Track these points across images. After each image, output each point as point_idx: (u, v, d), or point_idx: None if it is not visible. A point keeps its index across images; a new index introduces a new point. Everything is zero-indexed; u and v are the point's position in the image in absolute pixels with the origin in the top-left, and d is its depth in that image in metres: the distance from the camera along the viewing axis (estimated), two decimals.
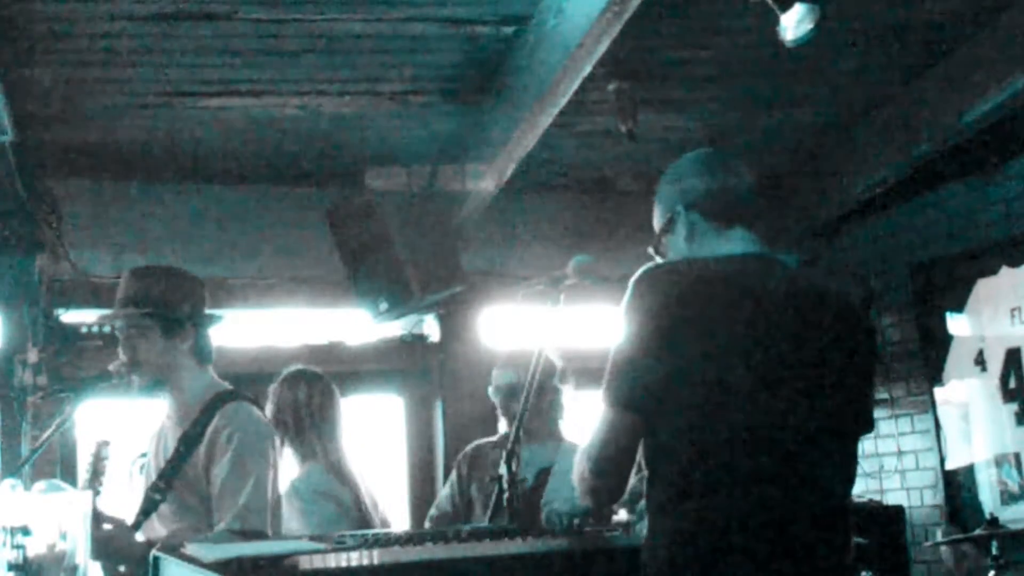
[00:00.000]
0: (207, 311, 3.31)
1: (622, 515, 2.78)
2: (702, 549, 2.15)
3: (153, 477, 3.16)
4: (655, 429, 2.23)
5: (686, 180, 2.45)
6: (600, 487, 2.29)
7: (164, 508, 3.10)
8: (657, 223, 2.50)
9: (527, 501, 3.37)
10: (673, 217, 2.43)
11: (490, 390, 4.16)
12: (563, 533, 2.58)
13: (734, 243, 2.38)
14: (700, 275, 2.28)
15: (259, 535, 2.94)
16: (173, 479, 3.10)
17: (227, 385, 3.29)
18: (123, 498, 3.18)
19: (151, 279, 3.23)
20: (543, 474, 3.69)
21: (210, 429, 3.09)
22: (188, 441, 3.11)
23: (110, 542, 2.95)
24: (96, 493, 3.00)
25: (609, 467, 2.26)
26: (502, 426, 4.20)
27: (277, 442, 3.29)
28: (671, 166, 2.52)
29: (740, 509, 2.15)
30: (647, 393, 2.20)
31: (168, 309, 3.19)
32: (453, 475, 4.24)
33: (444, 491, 4.27)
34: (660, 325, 2.20)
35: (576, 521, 2.60)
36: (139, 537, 3.08)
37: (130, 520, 3.10)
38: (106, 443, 3.09)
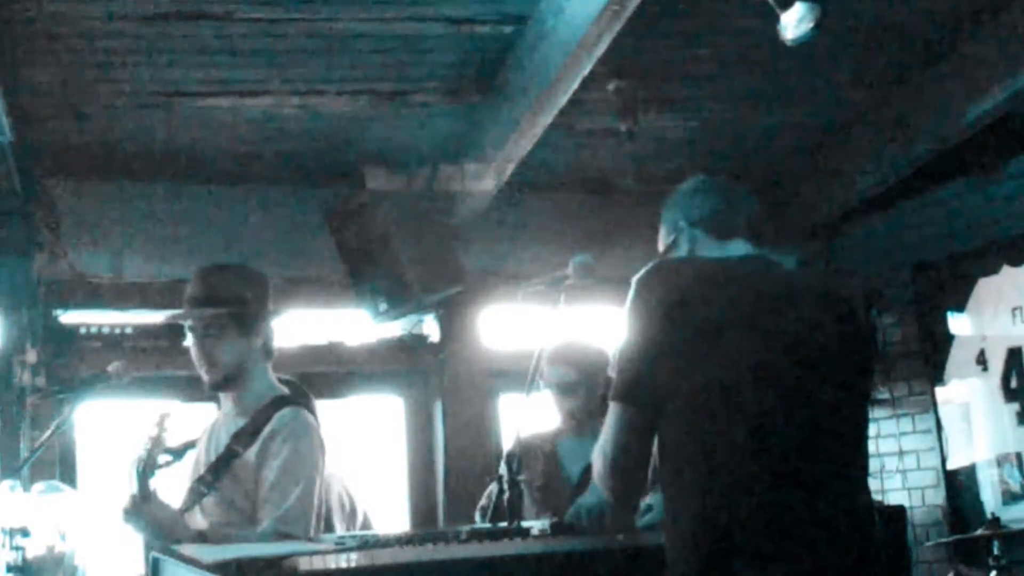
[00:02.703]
0: (272, 306, 3.29)
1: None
2: (706, 550, 2.15)
3: (202, 470, 3.14)
4: (663, 426, 2.23)
5: (691, 200, 2.51)
6: (617, 486, 2.30)
7: (208, 502, 3.08)
8: (661, 244, 2.54)
9: (571, 498, 3.32)
10: (677, 235, 2.48)
11: (543, 386, 4.07)
12: (590, 528, 2.53)
13: (734, 250, 2.41)
14: (702, 273, 2.30)
15: (301, 540, 2.91)
16: (221, 474, 3.07)
17: (285, 388, 3.27)
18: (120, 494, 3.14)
19: (224, 277, 3.20)
20: (588, 471, 3.63)
21: (265, 432, 3.07)
22: (241, 440, 3.09)
23: (162, 522, 2.91)
24: (156, 467, 2.96)
25: (624, 465, 2.27)
26: (556, 419, 4.14)
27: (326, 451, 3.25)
28: (677, 190, 2.57)
29: (743, 510, 2.14)
30: (655, 390, 2.21)
31: (244, 307, 3.16)
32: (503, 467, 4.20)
33: (492, 486, 4.23)
34: (664, 323, 2.21)
35: (604, 515, 2.56)
36: None
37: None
38: (167, 415, 3.04)
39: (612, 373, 2.28)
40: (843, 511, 2.23)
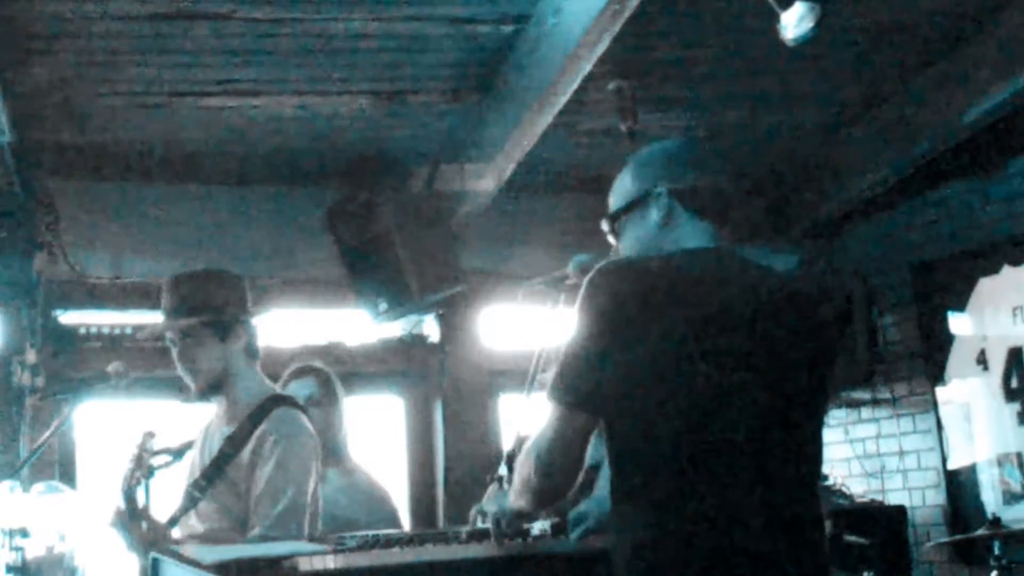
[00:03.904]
0: (250, 306, 3.28)
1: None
2: (661, 555, 2.10)
3: (196, 474, 3.14)
4: (615, 428, 2.18)
5: (676, 165, 2.35)
6: (546, 488, 2.25)
7: (203, 506, 3.08)
8: (622, 198, 2.38)
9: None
10: (648, 196, 2.33)
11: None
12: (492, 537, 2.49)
13: (700, 238, 2.30)
14: (654, 271, 2.19)
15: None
16: (215, 478, 3.07)
17: (276, 388, 3.27)
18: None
19: (197, 285, 3.18)
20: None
21: (257, 433, 3.06)
22: (234, 443, 3.08)
23: (147, 537, 2.92)
24: (138, 484, 2.97)
25: (558, 467, 2.22)
26: None
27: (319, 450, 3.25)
28: (656, 146, 2.43)
29: (698, 512, 2.09)
30: (598, 391, 2.15)
31: (220, 313, 3.15)
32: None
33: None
34: (611, 322, 2.13)
35: (503, 524, 2.51)
36: (176, 533, 3.07)
37: (168, 515, 3.09)
38: (152, 434, 3.05)
39: (555, 372, 2.20)
40: (804, 520, 2.18)
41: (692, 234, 2.31)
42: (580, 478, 2.27)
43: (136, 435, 3.06)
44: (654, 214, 2.33)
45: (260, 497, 3.00)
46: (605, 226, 2.44)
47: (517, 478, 2.30)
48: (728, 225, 2.34)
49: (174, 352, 3.19)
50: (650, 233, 2.34)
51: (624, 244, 2.40)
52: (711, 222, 2.32)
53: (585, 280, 2.20)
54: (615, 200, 2.41)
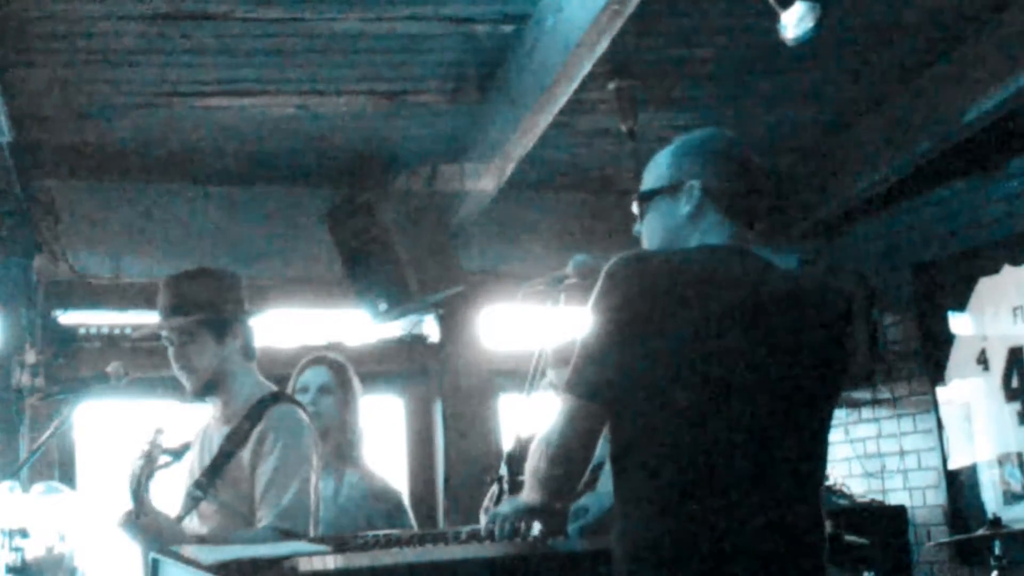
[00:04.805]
0: (247, 306, 3.29)
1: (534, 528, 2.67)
2: (661, 555, 2.10)
3: (196, 475, 3.15)
4: (620, 424, 2.18)
5: (715, 162, 2.36)
6: (555, 478, 2.25)
7: (205, 507, 3.09)
8: (656, 180, 2.40)
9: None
10: (680, 186, 2.34)
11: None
12: (505, 539, 2.46)
13: (721, 237, 2.31)
14: (672, 268, 2.21)
15: (301, 537, 2.91)
16: (215, 478, 3.08)
17: (272, 386, 3.27)
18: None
19: (193, 284, 3.19)
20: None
21: (256, 431, 3.07)
22: (233, 441, 3.09)
23: (158, 532, 2.91)
24: (148, 480, 2.97)
25: (568, 458, 2.22)
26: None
27: (319, 446, 3.24)
28: (699, 135, 2.44)
29: (698, 512, 2.10)
30: (612, 385, 2.16)
31: (216, 312, 3.16)
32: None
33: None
34: (629, 317, 2.15)
35: (520, 525, 2.46)
36: None
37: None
38: (161, 431, 3.06)
39: (571, 365, 2.21)
40: (804, 521, 2.19)
41: (716, 233, 2.31)
42: (587, 475, 2.27)
43: (146, 432, 3.07)
44: (683, 206, 2.34)
45: (266, 491, 3.01)
46: (634, 203, 2.44)
47: (528, 470, 2.30)
48: (752, 229, 2.35)
49: (170, 351, 3.19)
50: (675, 223, 2.35)
51: (646, 226, 2.41)
52: (737, 223, 2.32)
53: (604, 271, 2.21)
54: (647, 180, 2.43)
